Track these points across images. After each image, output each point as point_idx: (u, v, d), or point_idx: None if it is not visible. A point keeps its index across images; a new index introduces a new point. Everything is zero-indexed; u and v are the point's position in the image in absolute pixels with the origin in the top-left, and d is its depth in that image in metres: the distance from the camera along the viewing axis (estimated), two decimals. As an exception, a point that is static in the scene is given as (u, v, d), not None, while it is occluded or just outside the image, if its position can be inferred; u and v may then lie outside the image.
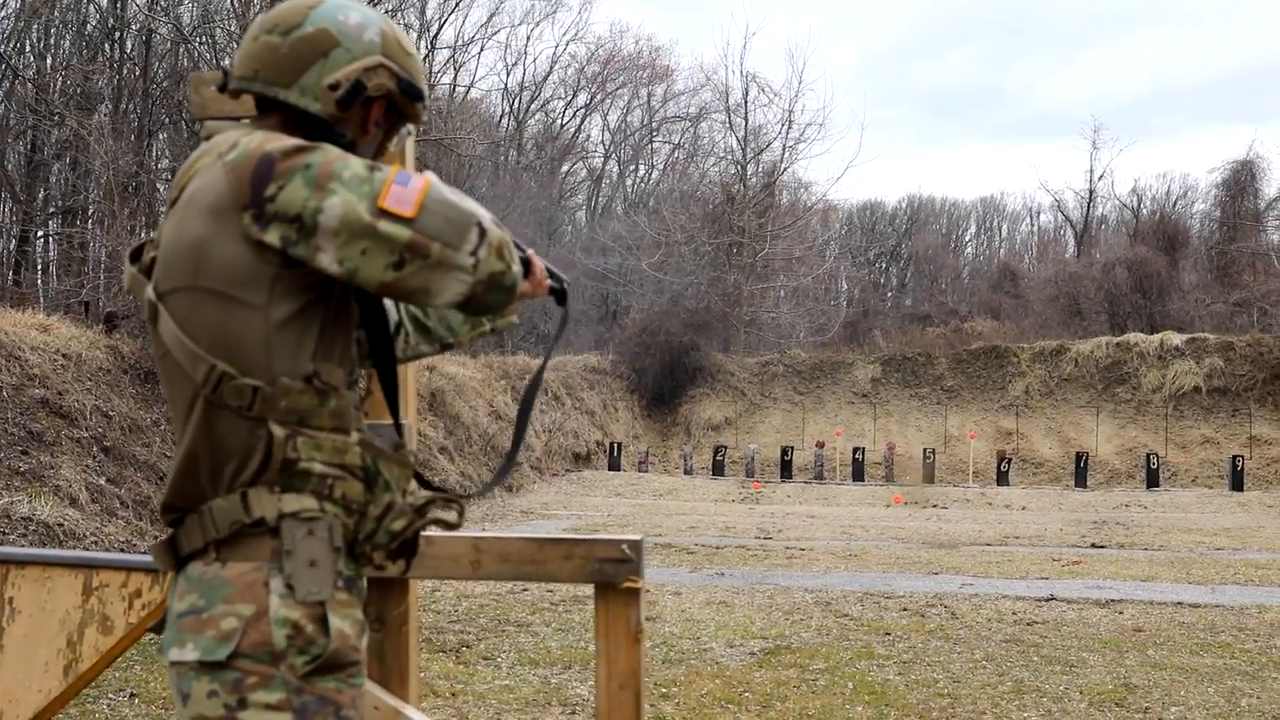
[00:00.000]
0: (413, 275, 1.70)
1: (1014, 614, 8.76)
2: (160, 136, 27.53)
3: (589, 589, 9.60)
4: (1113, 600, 9.47)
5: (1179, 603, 9.40)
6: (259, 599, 1.68)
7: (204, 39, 25.50)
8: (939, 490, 25.10)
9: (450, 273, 1.71)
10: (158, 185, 25.56)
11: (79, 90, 25.75)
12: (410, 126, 2.08)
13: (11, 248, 26.09)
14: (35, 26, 26.83)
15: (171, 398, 1.81)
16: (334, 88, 1.82)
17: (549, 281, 2.00)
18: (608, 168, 52.49)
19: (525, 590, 9.46)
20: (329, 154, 1.72)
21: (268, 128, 1.83)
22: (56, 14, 26.95)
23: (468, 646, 7.16)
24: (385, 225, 1.68)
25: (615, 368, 32.19)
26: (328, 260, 1.69)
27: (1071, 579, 10.98)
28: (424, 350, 2.21)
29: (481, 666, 6.61)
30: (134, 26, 26.43)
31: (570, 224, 51.05)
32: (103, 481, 10.89)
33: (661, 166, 52.79)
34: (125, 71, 27.17)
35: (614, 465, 27.69)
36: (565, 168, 50.82)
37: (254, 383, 1.71)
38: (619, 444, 28.49)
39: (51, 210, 27.05)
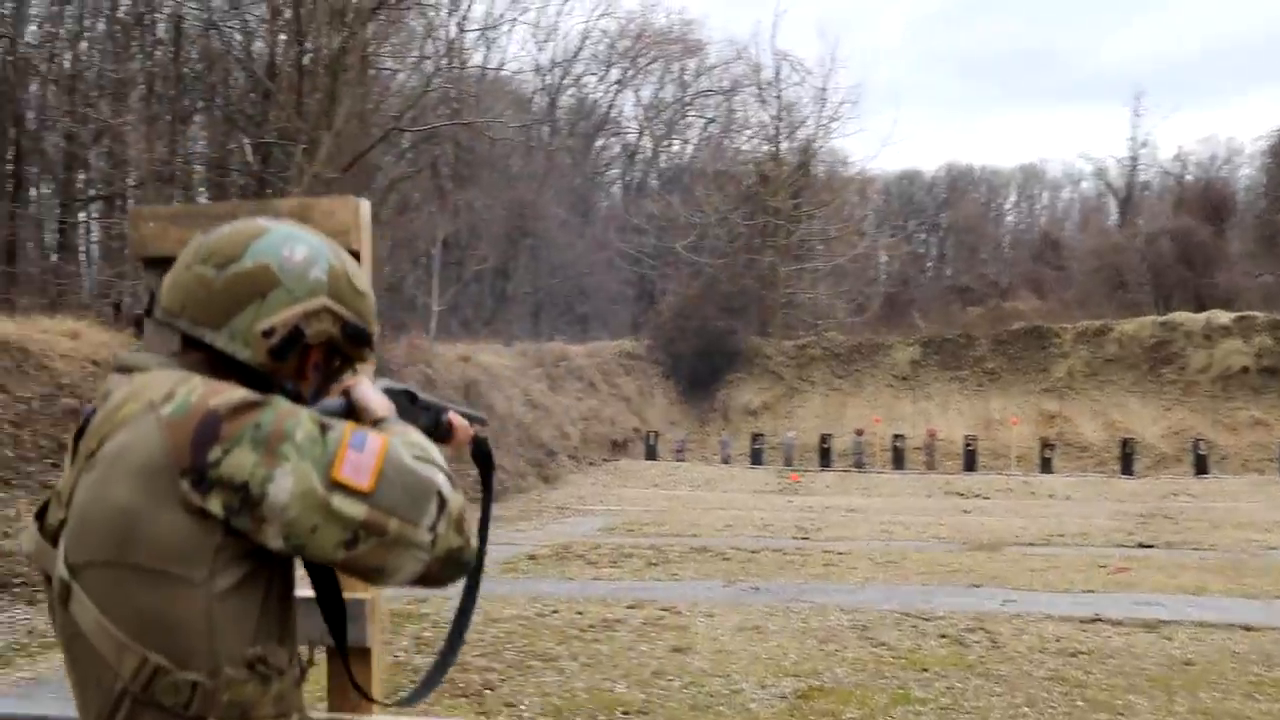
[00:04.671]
0: (366, 555, 1.49)
1: (1057, 640, 8.48)
2: (194, 120, 27.50)
3: (622, 611, 9.22)
4: (1161, 621, 9.16)
5: (1231, 624, 9.08)
6: None
7: (235, 23, 25.36)
8: (981, 479, 24.72)
9: (407, 550, 1.49)
10: (192, 174, 25.50)
11: (113, 76, 25.63)
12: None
13: (55, 232, 26.10)
14: (66, 12, 26.72)
15: (83, 687, 1.54)
16: (268, 334, 1.58)
17: (472, 431, 1.91)
18: (641, 143, 52.11)
19: (555, 612, 9.31)
20: (279, 410, 1.50)
21: (190, 365, 1.58)
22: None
23: (490, 689, 6.98)
24: (339, 501, 1.46)
25: (651, 353, 31.97)
26: (272, 535, 1.47)
27: (1118, 591, 10.67)
28: None
29: (504, 718, 6.43)
30: (165, 11, 26.28)
31: (606, 199, 50.81)
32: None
33: (695, 141, 52.36)
34: (158, 56, 27.07)
35: (651, 454, 27.50)
36: (599, 144, 50.50)
37: (193, 677, 1.47)
38: (656, 432, 28.29)
39: (91, 195, 27.01)
